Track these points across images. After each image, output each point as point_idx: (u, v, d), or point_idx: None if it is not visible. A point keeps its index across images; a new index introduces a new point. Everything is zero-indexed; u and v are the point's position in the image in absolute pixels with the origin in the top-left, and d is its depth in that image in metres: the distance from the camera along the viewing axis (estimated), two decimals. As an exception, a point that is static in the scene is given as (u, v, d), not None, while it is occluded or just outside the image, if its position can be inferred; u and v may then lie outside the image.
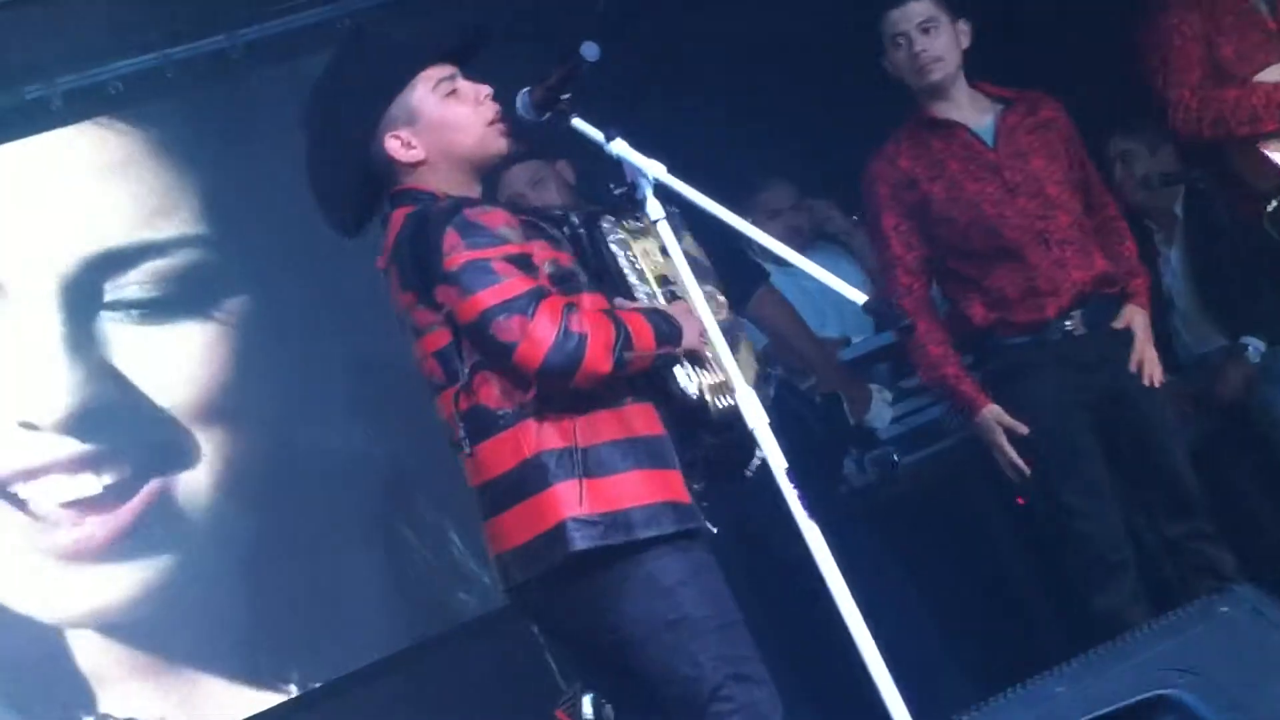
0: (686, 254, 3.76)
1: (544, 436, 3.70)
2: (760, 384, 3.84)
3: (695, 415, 3.82)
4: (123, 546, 6.37)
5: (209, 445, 6.56)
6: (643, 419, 3.80)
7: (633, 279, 3.93)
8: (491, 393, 3.72)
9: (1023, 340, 5.25)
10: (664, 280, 3.91)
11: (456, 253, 3.65)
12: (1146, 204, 6.36)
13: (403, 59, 3.91)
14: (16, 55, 6.26)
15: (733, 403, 3.68)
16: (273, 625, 6.55)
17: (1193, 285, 6.32)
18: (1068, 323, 5.23)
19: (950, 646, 6.15)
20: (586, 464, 3.69)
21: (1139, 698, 2.66)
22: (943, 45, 5.24)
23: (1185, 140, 5.23)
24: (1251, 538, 5.62)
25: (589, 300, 3.77)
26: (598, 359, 3.61)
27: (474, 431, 3.77)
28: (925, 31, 5.23)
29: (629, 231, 3.95)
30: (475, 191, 3.92)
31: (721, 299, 3.95)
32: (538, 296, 3.61)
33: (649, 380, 3.80)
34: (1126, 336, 5.31)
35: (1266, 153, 4.96)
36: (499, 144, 3.90)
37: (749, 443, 3.67)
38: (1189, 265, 6.33)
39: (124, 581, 6.36)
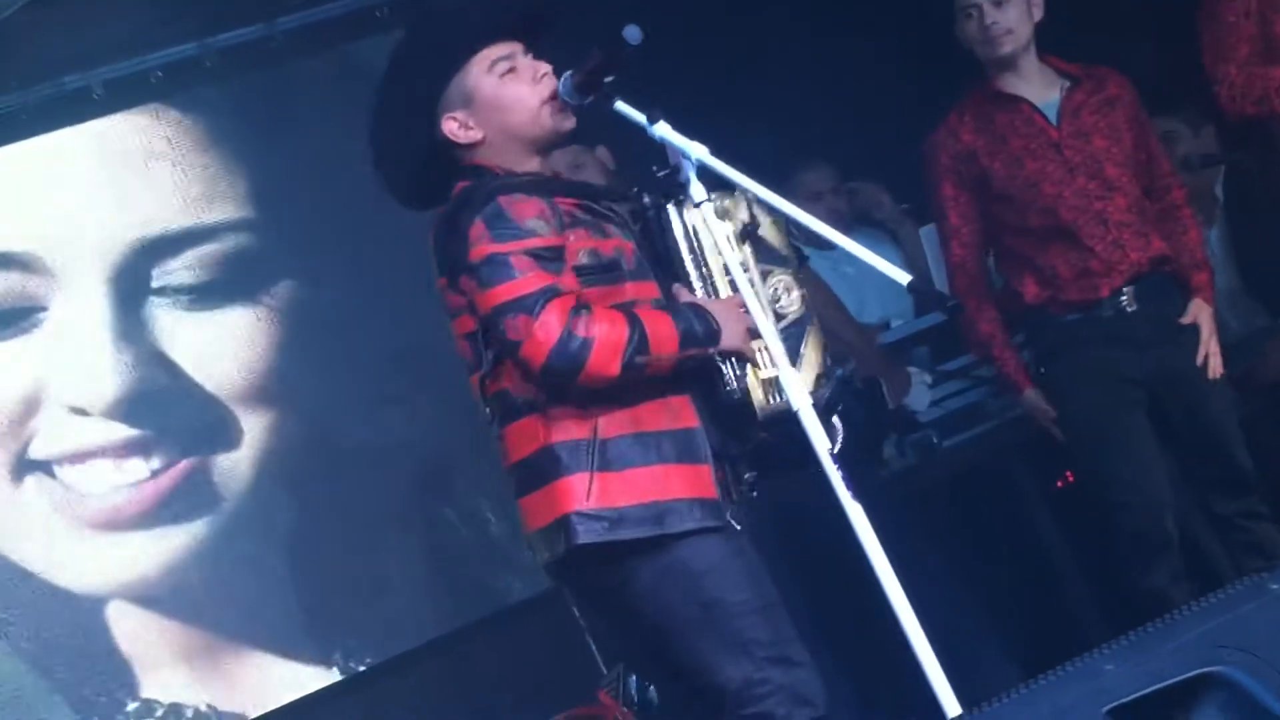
0: (763, 239, 3.74)
1: (562, 427, 3.69)
2: (821, 384, 3.78)
3: (741, 413, 3.76)
4: (166, 529, 6.40)
5: (254, 429, 6.59)
6: (675, 412, 3.75)
7: (690, 267, 3.84)
8: (514, 378, 3.72)
9: (1074, 317, 5.24)
10: (726, 270, 3.80)
11: (481, 244, 3.65)
12: (1187, 185, 6.33)
13: (458, 41, 3.89)
14: (58, 46, 6.28)
15: (783, 402, 3.67)
16: (318, 608, 6.58)
17: (1234, 266, 6.29)
18: (1121, 298, 5.20)
19: (992, 628, 6.14)
20: (603, 457, 3.67)
21: (1189, 674, 2.63)
22: (1014, 17, 5.20)
23: (1230, 117, 5.19)
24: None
25: (632, 289, 3.76)
26: (603, 363, 3.58)
27: (500, 415, 3.79)
28: (997, 4, 5.19)
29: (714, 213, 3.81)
30: (538, 167, 3.91)
31: (796, 290, 3.86)
32: (548, 296, 3.59)
33: (694, 374, 3.76)
34: (1178, 312, 5.29)
35: None
36: (556, 121, 3.86)
37: (803, 438, 3.65)
38: (1230, 246, 6.30)
39: (166, 563, 6.40)
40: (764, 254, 3.82)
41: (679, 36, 6.04)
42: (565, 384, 3.64)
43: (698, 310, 3.72)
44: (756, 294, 3.75)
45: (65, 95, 6.43)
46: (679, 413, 3.76)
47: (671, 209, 3.82)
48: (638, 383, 3.68)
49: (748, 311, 3.72)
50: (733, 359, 3.74)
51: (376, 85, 3.97)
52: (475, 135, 3.85)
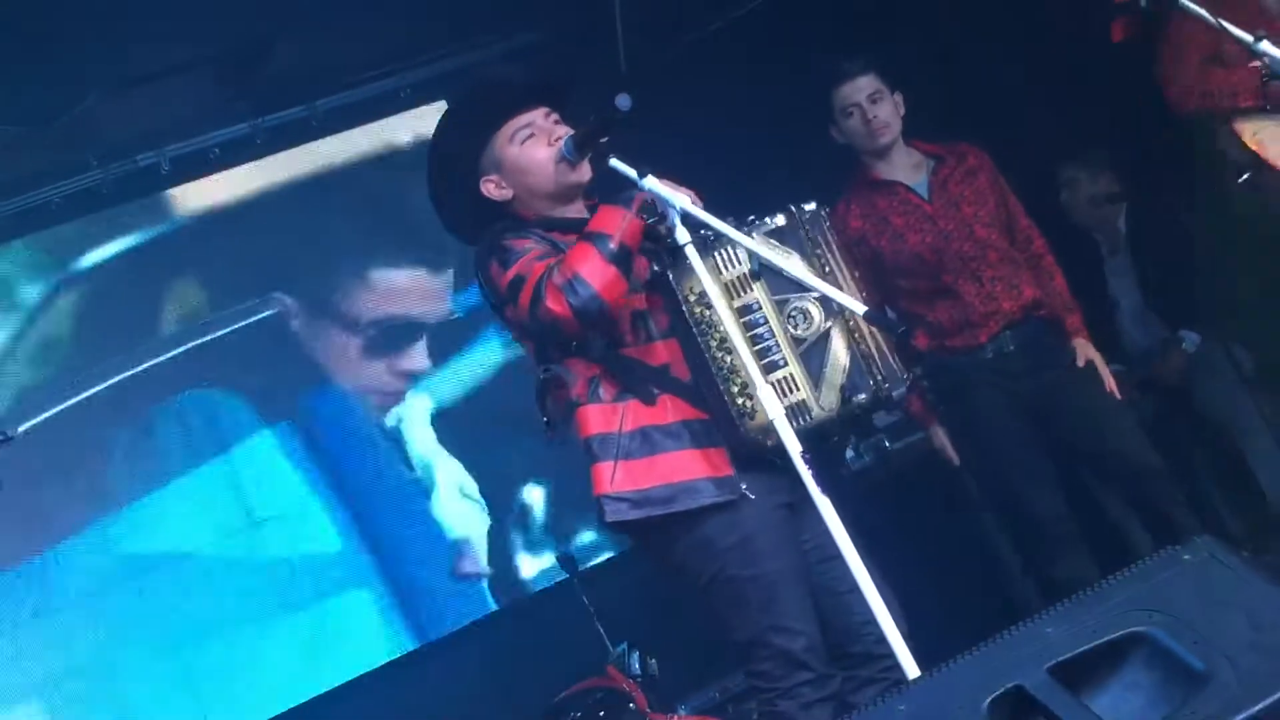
0: (777, 269, 3.70)
1: (594, 422, 3.77)
2: (842, 400, 3.75)
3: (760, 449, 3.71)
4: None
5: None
6: (684, 407, 3.77)
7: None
8: (564, 386, 3.80)
9: (962, 360, 5.24)
10: (702, 297, 3.74)
11: (501, 277, 3.76)
12: (1093, 221, 6.37)
13: (483, 118, 3.97)
14: (130, 128, 6.30)
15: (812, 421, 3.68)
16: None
17: (1137, 286, 6.30)
18: (999, 342, 5.22)
19: (942, 602, 6.14)
20: (628, 446, 3.72)
21: (1117, 634, 2.62)
22: (888, 112, 5.23)
23: (1178, 107, 5.12)
24: (1195, 506, 5.56)
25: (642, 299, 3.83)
26: (608, 283, 3.61)
27: (556, 411, 3.86)
28: (874, 101, 5.22)
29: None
30: (565, 212, 3.96)
31: (816, 312, 3.78)
32: (525, 278, 3.69)
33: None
34: (1052, 345, 5.28)
35: (1236, 127, 4.88)
36: (571, 176, 3.90)
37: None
38: (1132, 271, 6.31)
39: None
40: (779, 285, 3.76)
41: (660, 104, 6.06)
42: (567, 328, 3.66)
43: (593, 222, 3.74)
44: (769, 321, 3.74)
45: (138, 170, 6.44)
46: (688, 406, 3.78)
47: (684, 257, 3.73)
48: (659, 383, 3.75)
49: None
50: (737, 399, 3.68)
51: (429, 152, 4.05)
52: (507, 194, 3.95)
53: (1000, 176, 5.38)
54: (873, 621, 3.46)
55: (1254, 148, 4.82)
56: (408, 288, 6.99)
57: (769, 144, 6.45)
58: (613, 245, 3.61)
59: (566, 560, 6.03)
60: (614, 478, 3.72)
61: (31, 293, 6.48)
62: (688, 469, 3.72)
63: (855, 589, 3.43)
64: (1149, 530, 5.33)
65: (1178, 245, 6.03)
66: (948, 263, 5.20)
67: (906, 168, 5.31)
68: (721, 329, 3.66)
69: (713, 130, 6.49)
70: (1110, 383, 5.20)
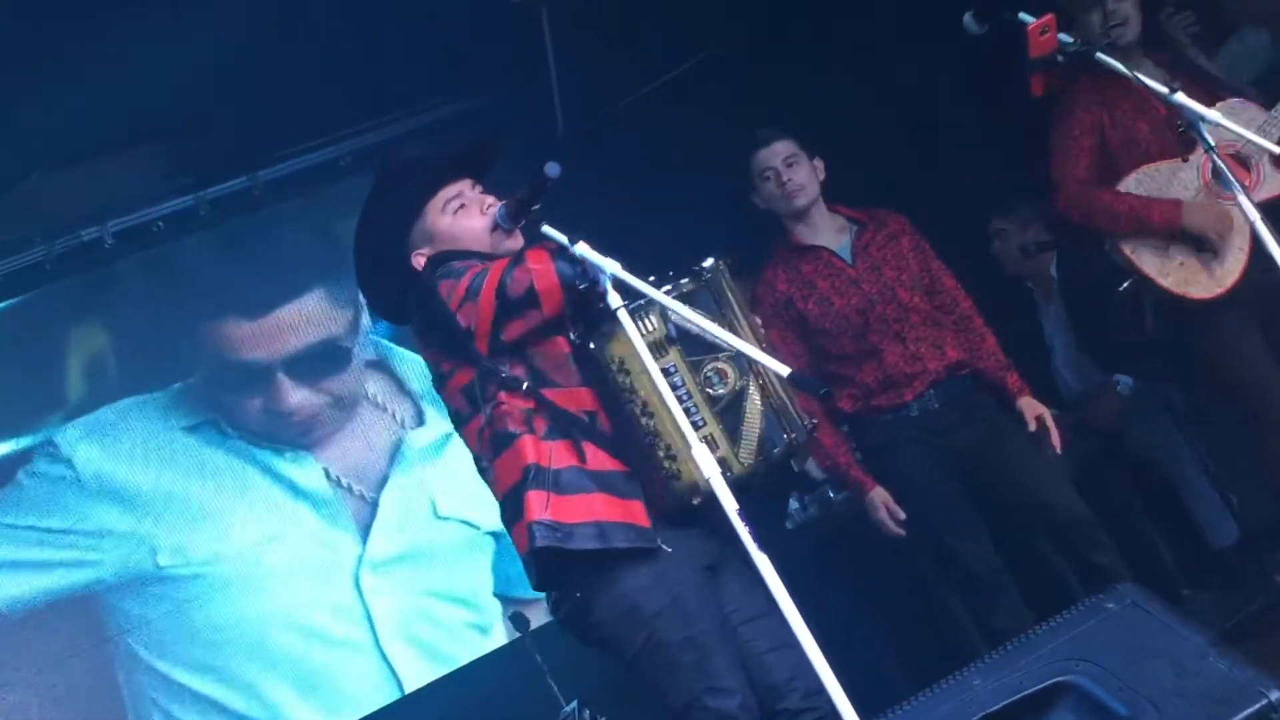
0: (690, 333, 3.73)
1: (530, 452, 3.70)
2: (762, 454, 3.77)
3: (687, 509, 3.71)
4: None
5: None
6: (604, 458, 3.75)
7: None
8: (505, 418, 3.74)
9: (887, 418, 5.25)
10: (622, 364, 3.76)
11: (454, 288, 3.72)
12: (1025, 270, 6.44)
13: (413, 191, 3.95)
14: (72, 203, 6.32)
15: (704, 498, 3.59)
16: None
17: (1069, 333, 6.37)
18: (924, 399, 5.23)
19: (893, 647, 6.18)
20: (556, 481, 3.68)
21: (1043, 684, 2.66)
22: (804, 175, 5.28)
23: (1064, 219, 5.23)
24: (1133, 546, 5.61)
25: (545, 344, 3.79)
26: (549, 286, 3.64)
27: (495, 449, 3.77)
28: (789, 165, 5.27)
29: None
30: None
31: (731, 371, 3.80)
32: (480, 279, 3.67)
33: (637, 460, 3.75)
34: (977, 401, 5.30)
35: (1120, 246, 5.00)
36: (505, 243, 3.89)
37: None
38: (1066, 317, 6.38)
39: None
40: (692, 347, 3.79)
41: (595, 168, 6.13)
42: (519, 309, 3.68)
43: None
44: (686, 384, 3.74)
45: (82, 245, 6.45)
46: (609, 459, 3.76)
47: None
48: (582, 432, 3.72)
49: None
50: (663, 463, 3.69)
51: (355, 230, 4.00)
52: None
53: (923, 240, 5.43)
54: (797, 676, 3.47)
55: (1133, 261, 4.95)
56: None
57: (701, 201, 6.51)
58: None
59: (518, 619, 6.04)
60: (547, 506, 3.66)
61: None
62: (607, 513, 3.69)
63: (779, 647, 3.44)
64: (1081, 578, 5.35)
65: (1108, 293, 6.08)
66: (873, 324, 5.23)
67: (829, 232, 5.35)
68: (642, 394, 3.68)
69: (646, 188, 6.57)
70: (1056, 438, 5.16)
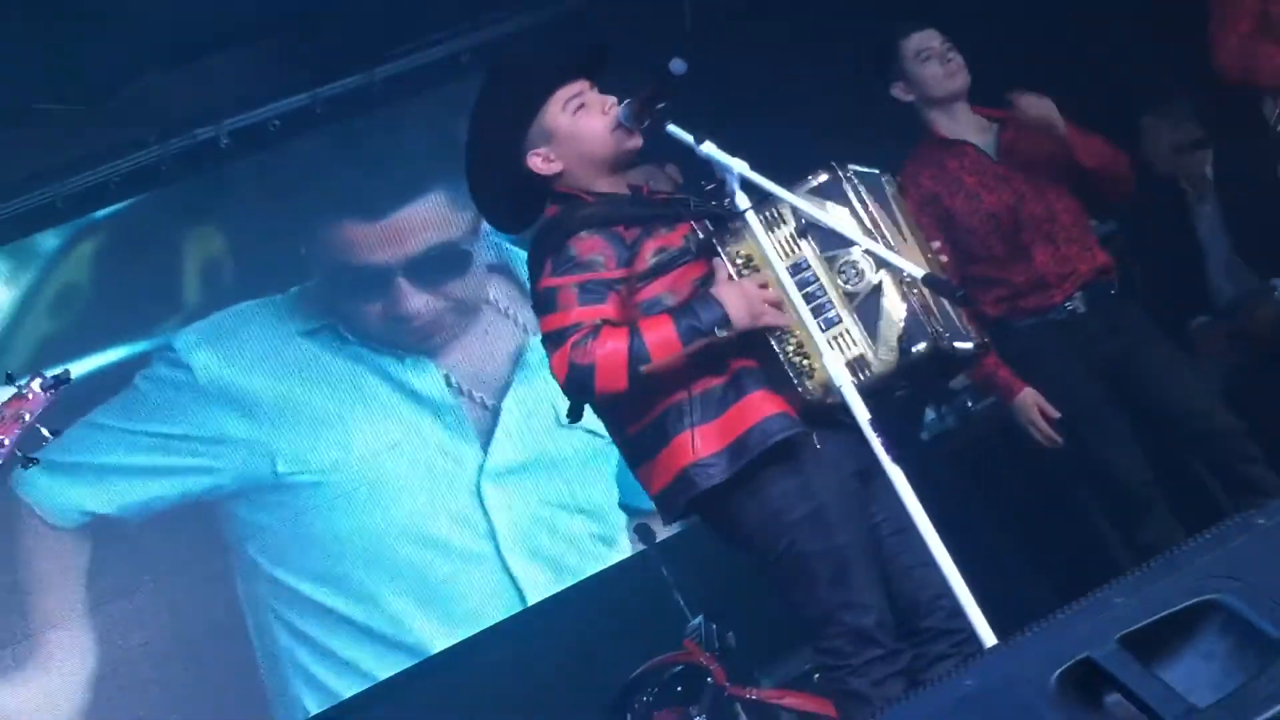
0: (823, 227, 3.70)
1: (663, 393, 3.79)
2: (897, 354, 3.70)
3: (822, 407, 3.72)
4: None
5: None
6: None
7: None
8: None
9: (1031, 322, 5.18)
10: (749, 261, 3.77)
11: (545, 277, 3.77)
12: (1179, 169, 6.32)
13: (533, 87, 3.95)
14: (187, 103, 6.38)
15: (872, 377, 3.65)
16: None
17: (1225, 236, 6.25)
18: (1070, 305, 5.16)
19: (1033, 563, 6.14)
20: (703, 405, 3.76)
21: (1189, 603, 2.62)
22: (962, 61, 5.21)
23: (1221, 78, 5.08)
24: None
25: (675, 276, 3.80)
26: (609, 382, 3.65)
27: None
28: (948, 47, 5.21)
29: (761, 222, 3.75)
30: (618, 185, 3.95)
31: (866, 265, 3.72)
32: (565, 335, 3.67)
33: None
34: (1122, 310, 5.24)
35: None
36: (628, 143, 3.90)
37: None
38: (1221, 218, 6.26)
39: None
40: (826, 241, 3.74)
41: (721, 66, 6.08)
42: (586, 401, 3.76)
43: (706, 301, 3.71)
44: (819, 279, 3.72)
45: (197, 145, 6.52)
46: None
47: (730, 227, 3.79)
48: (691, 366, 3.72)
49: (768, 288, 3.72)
50: (793, 358, 3.70)
51: (468, 130, 4.03)
52: (556, 167, 3.92)
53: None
54: (944, 595, 3.46)
55: None
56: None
57: (829, 101, 6.44)
58: (643, 369, 3.65)
59: (644, 531, 6.07)
60: (694, 445, 3.72)
61: (50, 242, 6.62)
62: (760, 408, 3.71)
63: (926, 563, 3.43)
64: (1230, 492, 5.27)
65: (1267, 191, 5.95)
66: (1025, 223, 5.15)
67: (972, 128, 5.27)
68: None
69: (774, 87, 6.50)
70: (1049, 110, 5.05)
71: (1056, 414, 5.06)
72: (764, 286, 3.71)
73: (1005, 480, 6.15)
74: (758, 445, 3.69)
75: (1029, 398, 5.09)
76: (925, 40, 5.21)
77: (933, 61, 5.20)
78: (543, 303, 3.76)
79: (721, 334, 3.67)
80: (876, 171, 3.94)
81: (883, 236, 3.77)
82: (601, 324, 3.67)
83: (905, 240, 3.86)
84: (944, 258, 4.04)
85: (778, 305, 3.70)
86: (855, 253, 3.73)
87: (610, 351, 3.63)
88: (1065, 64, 6.25)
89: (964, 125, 5.28)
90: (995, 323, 5.18)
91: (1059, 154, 5.20)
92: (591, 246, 3.76)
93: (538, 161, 3.92)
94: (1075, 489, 5.89)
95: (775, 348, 3.71)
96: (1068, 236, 5.18)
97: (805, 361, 3.68)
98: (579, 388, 3.68)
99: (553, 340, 3.70)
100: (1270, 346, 6.13)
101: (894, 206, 3.91)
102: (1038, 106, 5.08)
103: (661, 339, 3.66)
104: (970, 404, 6.41)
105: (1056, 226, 5.17)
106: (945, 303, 3.78)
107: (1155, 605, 2.57)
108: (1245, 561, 2.61)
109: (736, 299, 3.68)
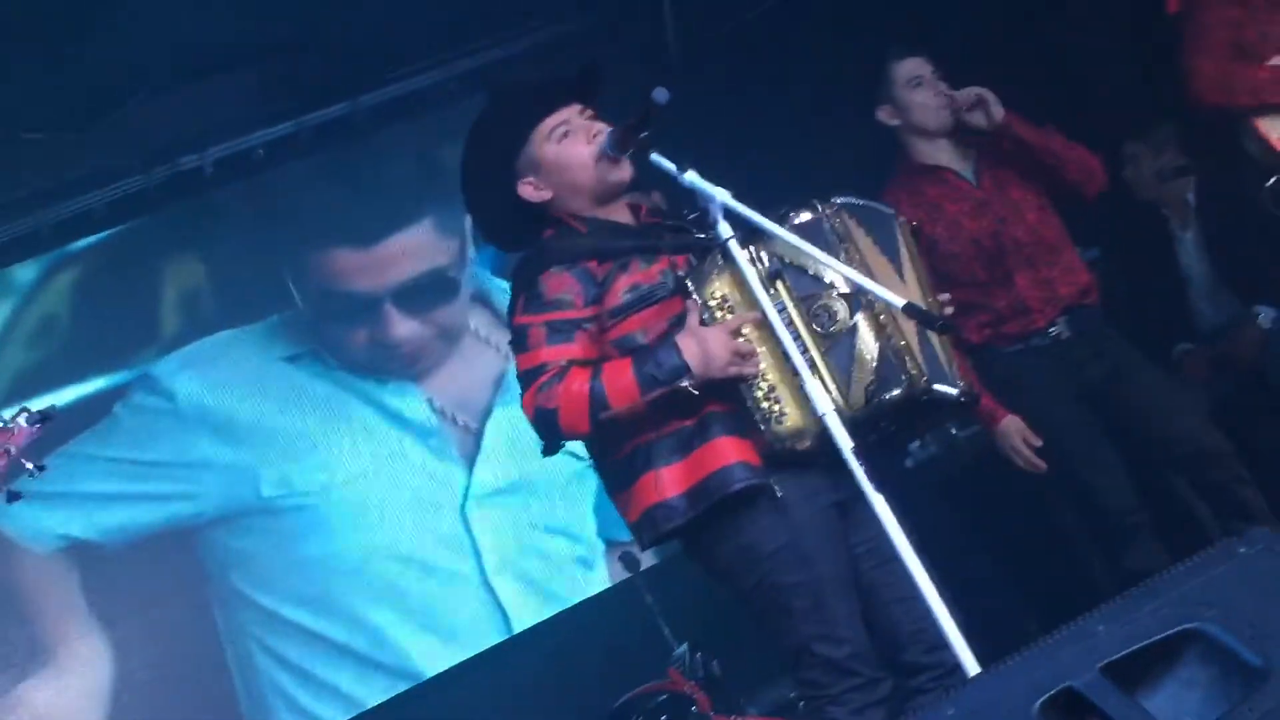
0: (798, 267, 3.70)
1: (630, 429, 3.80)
2: (871, 391, 3.68)
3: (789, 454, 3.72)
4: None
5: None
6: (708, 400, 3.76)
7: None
8: None
9: (1016, 348, 5.19)
10: (724, 301, 3.76)
11: (516, 314, 3.83)
12: (1161, 195, 6.33)
13: (520, 116, 3.98)
14: (171, 130, 6.39)
15: (809, 444, 3.64)
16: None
17: (1207, 262, 6.27)
18: (1053, 329, 5.18)
19: (1017, 590, 6.15)
20: (670, 446, 3.79)
21: (1170, 631, 2.64)
22: (948, 93, 5.21)
23: (1199, 107, 5.12)
24: (1275, 486, 5.53)
25: (650, 313, 3.79)
26: (573, 425, 3.68)
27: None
28: (938, 77, 5.23)
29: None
30: (608, 212, 3.97)
31: (840, 307, 3.70)
32: (534, 376, 3.70)
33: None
34: (1105, 334, 5.26)
35: (1259, 126, 4.89)
36: (613, 173, 3.91)
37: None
38: (1203, 245, 6.28)
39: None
40: (800, 282, 3.73)
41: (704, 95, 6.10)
42: (555, 441, 3.78)
43: (669, 349, 3.69)
44: (793, 322, 3.69)
45: (182, 173, 6.53)
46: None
47: (706, 264, 3.79)
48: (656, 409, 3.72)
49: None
50: (762, 404, 3.69)
51: (462, 155, 4.05)
52: (546, 194, 3.95)
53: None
54: (924, 629, 3.47)
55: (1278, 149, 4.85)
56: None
57: (814, 130, 6.46)
58: (603, 415, 3.67)
59: (628, 559, 6.08)
60: (658, 486, 3.73)
61: (28, 273, 6.63)
62: (723, 455, 3.70)
63: (905, 598, 3.44)
64: (1219, 516, 5.28)
65: (1249, 218, 5.98)
66: (1007, 247, 5.16)
67: (951, 153, 5.29)
68: (745, 331, 3.70)
69: (757, 117, 6.52)
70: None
71: (1039, 441, 5.06)
72: (737, 333, 3.69)
73: (990, 507, 6.16)
74: (717, 492, 3.69)
75: (1012, 425, 5.10)
76: (917, 67, 5.23)
77: (925, 88, 5.22)
78: (515, 339, 3.81)
79: (682, 384, 3.66)
80: (891, 212, 3.95)
81: (869, 273, 3.72)
82: (569, 365, 3.69)
83: (903, 282, 3.85)
84: (950, 309, 3.99)
85: (747, 355, 3.69)
86: (830, 295, 3.72)
87: (574, 395, 3.66)
88: (1048, 90, 6.28)
89: (943, 151, 5.29)
90: (976, 350, 5.21)
91: (1032, 168, 5.21)
92: (559, 285, 3.77)
93: (528, 190, 3.95)
94: (1060, 515, 5.90)
95: (744, 393, 3.70)
96: (1049, 260, 5.19)
97: (776, 407, 3.67)
98: (545, 429, 3.72)
99: (522, 380, 3.74)
100: (1253, 373, 6.16)
101: (900, 245, 3.90)
102: (972, 90, 5.11)
103: (621, 387, 3.67)
104: (955, 431, 6.42)
105: (1039, 249, 5.18)
106: (935, 344, 3.78)
107: (1137, 634, 2.59)
108: (1226, 590, 2.63)
109: (697, 350, 3.66)
